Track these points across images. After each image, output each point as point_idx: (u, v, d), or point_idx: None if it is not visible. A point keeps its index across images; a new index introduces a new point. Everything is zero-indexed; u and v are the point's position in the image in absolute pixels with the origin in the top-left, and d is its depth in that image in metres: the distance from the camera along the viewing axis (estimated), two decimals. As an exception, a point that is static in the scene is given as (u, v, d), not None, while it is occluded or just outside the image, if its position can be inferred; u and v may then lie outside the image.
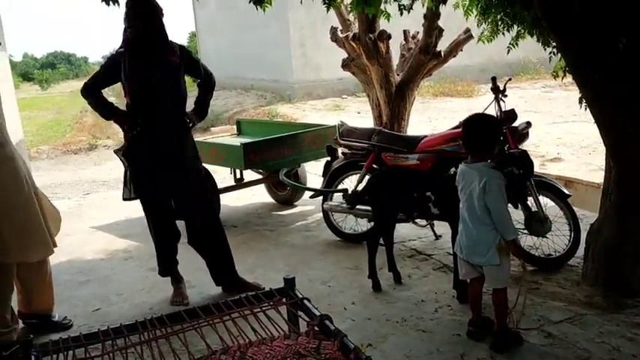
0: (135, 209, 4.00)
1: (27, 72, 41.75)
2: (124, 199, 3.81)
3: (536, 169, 6.07)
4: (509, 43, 4.49)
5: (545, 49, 4.10)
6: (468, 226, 2.87)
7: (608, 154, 3.45)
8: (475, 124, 2.96)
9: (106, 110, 3.64)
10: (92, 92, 3.59)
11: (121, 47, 3.47)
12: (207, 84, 3.81)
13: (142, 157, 3.55)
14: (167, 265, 3.78)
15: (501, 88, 3.89)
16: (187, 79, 3.73)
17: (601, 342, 2.88)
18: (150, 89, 3.42)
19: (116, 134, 11.20)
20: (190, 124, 3.66)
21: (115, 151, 3.97)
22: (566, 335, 2.96)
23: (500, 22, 4.33)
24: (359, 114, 12.07)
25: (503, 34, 4.44)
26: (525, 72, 15.77)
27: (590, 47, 2.92)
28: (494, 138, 2.92)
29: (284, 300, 2.05)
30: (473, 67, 14.96)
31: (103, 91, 3.64)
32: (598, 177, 5.29)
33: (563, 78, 4.20)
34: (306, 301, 2.00)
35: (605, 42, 2.87)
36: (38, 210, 3.10)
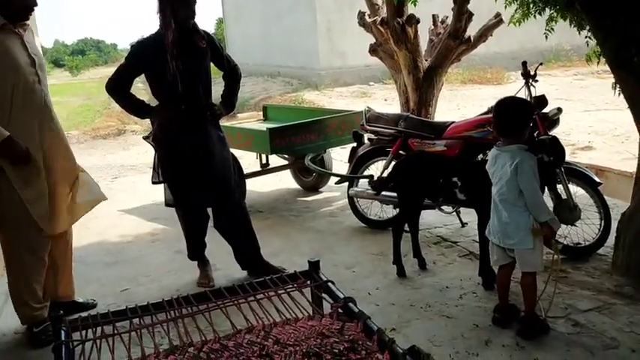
0: (162, 194, 4.06)
1: (58, 58, 42.43)
2: (153, 183, 3.85)
3: (567, 157, 5.98)
4: (545, 29, 4.38)
5: (579, 34, 3.99)
6: (499, 210, 2.84)
7: (642, 141, 3.36)
8: (506, 106, 2.91)
9: (138, 110, 3.57)
10: (120, 89, 3.48)
11: (152, 34, 3.45)
12: (232, 77, 3.77)
13: (170, 142, 3.57)
14: (196, 249, 3.82)
15: (532, 74, 3.81)
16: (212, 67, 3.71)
17: (630, 331, 2.82)
18: (183, 75, 3.38)
19: (143, 120, 11.34)
20: (218, 112, 3.66)
21: (144, 138, 4.01)
22: (594, 324, 2.92)
23: (531, 5, 4.23)
24: (386, 101, 11.98)
25: (534, 16, 4.33)
26: (557, 59, 15.44)
27: (629, 30, 2.83)
28: (525, 121, 2.87)
29: (308, 282, 2.06)
30: (503, 53, 14.69)
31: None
32: (630, 166, 5.15)
33: (597, 63, 4.09)
34: (330, 284, 2.00)
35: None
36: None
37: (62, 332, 1.77)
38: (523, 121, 2.85)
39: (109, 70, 3.87)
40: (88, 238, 4.66)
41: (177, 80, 3.35)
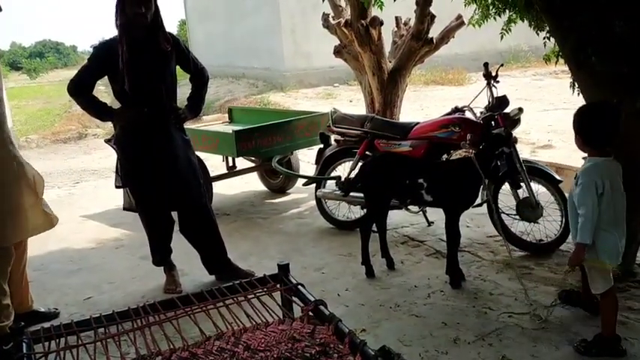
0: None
1: (15, 61, 41.15)
2: (116, 187, 3.78)
3: (528, 156, 6.11)
4: (502, 29, 4.47)
5: (537, 34, 4.08)
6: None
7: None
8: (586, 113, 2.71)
9: (101, 112, 3.49)
10: (82, 91, 3.41)
11: (115, 35, 3.38)
12: (199, 80, 3.73)
13: (132, 144, 3.50)
14: (161, 254, 3.75)
15: (493, 75, 3.89)
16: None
17: (593, 325, 2.89)
18: (145, 77, 3.34)
19: (105, 123, 11.11)
20: (182, 116, 3.60)
21: (106, 141, 3.92)
22: (559, 319, 2.99)
23: (491, 6, 4.31)
24: (351, 102, 12.03)
25: (494, 18, 4.41)
26: (516, 60, 15.77)
27: (586, 31, 2.91)
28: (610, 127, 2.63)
29: (278, 286, 2.04)
30: (464, 55, 14.94)
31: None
32: (589, 163, 5.31)
33: (556, 63, 4.19)
34: (300, 287, 1.98)
35: (601, 25, 2.86)
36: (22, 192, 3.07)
37: (24, 344, 1.71)
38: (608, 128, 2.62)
39: (69, 73, 3.75)
40: (50, 245, 4.52)
41: (127, 79, 3.29)
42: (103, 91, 10.45)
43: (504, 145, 3.41)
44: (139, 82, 3.33)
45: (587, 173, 2.61)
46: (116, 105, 3.56)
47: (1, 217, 2.90)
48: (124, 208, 3.79)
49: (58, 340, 1.76)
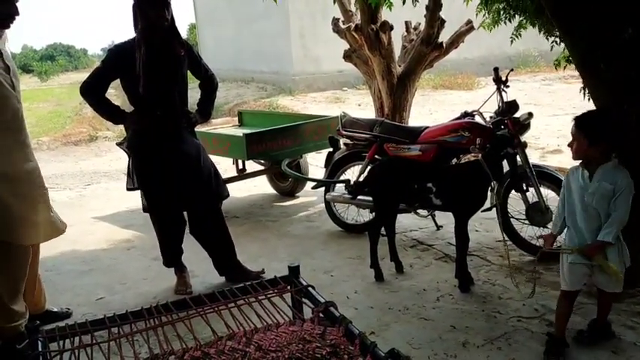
0: (137, 200, 4.00)
1: (26, 64, 41.46)
2: (128, 189, 3.81)
3: (537, 160, 6.09)
4: (512, 34, 4.49)
5: (547, 39, 4.09)
6: None
7: (610, 144, 3.45)
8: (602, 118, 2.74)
9: (113, 115, 3.52)
10: (94, 92, 3.44)
11: (129, 39, 3.42)
12: (209, 85, 3.77)
13: (145, 148, 3.54)
14: (172, 255, 3.78)
15: (503, 79, 3.89)
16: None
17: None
18: (160, 81, 3.37)
19: (116, 126, 11.19)
20: (194, 120, 3.64)
21: (118, 144, 3.95)
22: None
23: (502, 12, 4.32)
24: (359, 106, 12.06)
25: (505, 23, 4.43)
26: (525, 65, 15.76)
27: (596, 36, 2.92)
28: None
29: (288, 287, 2.06)
30: (473, 60, 14.96)
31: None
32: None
33: (565, 68, 4.20)
34: (310, 289, 2.01)
35: (611, 30, 2.87)
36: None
37: (39, 343, 1.74)
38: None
39: (80, 76, 3.76)
40: (62, 246, 4.57)
41: (142, 82, 3.33)
42: (112, 94, 10.51)
43: (509, 146, 3.42)
44: (154, 86, 3.37)
45: (626, 176, 2.61)
46: (126, 108, 3.60)
47: (20, 216, 2.94)
48: (145, 211, 3.81)
49: (72, 339, 1.79)
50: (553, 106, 10.59)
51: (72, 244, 4.74)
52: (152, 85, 3.36)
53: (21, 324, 2.98)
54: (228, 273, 3.80)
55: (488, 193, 3.67)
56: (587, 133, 2.66)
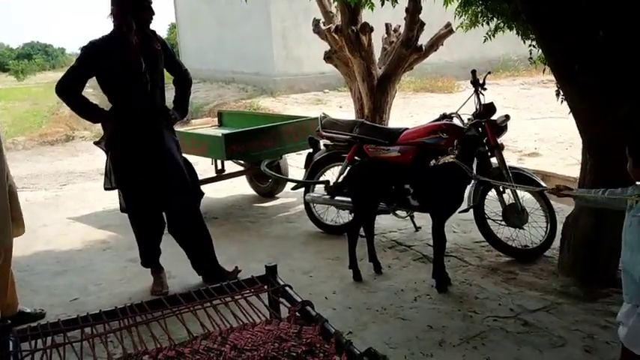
0: (113, 200, 3.95)
1: (2, 62, 40.76)
2: (106, 189, 3.77)
3: (514, 163, 6.17)
4: (486, 33, 4.53)
5: (524, 43, 4.15)
6: None
7: (584, 147, 3.52)
8: None
9: (91, 113, 3.48)
10: (71, 91, 3.38)
11: (103, 36, 3.38)
12: (184, 82, 3.75)
13: (123, 147, 3.49)
14: (150, 255, 3.75)
15: (481, 82, 3.94)
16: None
17: (576, 330, 2.94)
18: (140, 77, 3.34)
19: (93, 125, 11.05)
20: (173, 117, 3.62)
21: (95, 143, 3.90)
22: (543, 323, 3.03)
23: (480, 14, 4.37)
24: (340, 108, 12.08)
25: (482, 25, 4.47)
26: (505, 69, 15.93)
27: (570, 40, 2.97)
28: None
29: (265, 287, 2.05)
30: (453, 63, 15.06)
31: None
32: (574, 171, 5.38)
33: (544, 72, 4.26)
34: (287, 288, 2.00)
35: (585, 34, 2.92)
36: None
37: (10, 342, 1.70)
38: None
39: (57, 75, 3.71)
40: (36, 246, 4.50)
41: (146, 84, 3.32)
42: (90, 93, 10.39)
43: (479, 145, 3.44)
44: (135, 83, 3.34)
45: None
46: (104, 106, 3.56)
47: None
48: (122, 210, 3.77)
49: (44, 339, 1.76)
50: (531, 110, 10.73)
51: (46, 245, 4.67)
52: (132, 82, 3.33)
53: None
54: (206, 273, 3.77)
55: (465, 194, 3.71)
56: (631, 153, 2.22)
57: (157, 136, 3.49)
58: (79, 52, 3.76)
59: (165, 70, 3.60)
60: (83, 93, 3.48)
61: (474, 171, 3.42)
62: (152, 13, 3.35)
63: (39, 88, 24.06)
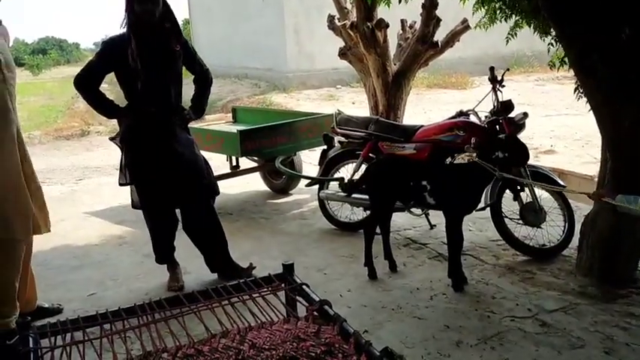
0: (128, 196, 3.97)
1: (18, 57, 41.06)
2: (120, 184, 3.78)
3: (530, 160, 6.11)
4: (508, 34, 4.49)
5: (543, 40, 4.10)
6: None
7: (604, 145, 3.47)
8: None
9: (106, 109, 3.49)
10: (89, 86, 3.41)
11: (122, 32, 3.39)
12: (204, 81, 3.74)
13: (136, 144, 3.51)
14: (165, 252, 3.76)
15: (499, 79, 3.90)
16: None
17: (595, 331, 2.91)
18: (155, 76, 3.34)
19: (108, 121, 11.10)
20: (187, 117, 3.62)
21: (111, 139, 3.92)
22: (561, 324, 2.99)
23: (498, 11, 4.32)
24: (353, 104, 12.05)
25: (500, 21, 4.42)
26: (519, 65, 15.77)
27: (592, 37, 2.92)
28: None
29: (282, 285, 2.05)
30: (467, 59, 14.94)
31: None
32: (591, 169, 5.33)
33: (558, 69, 4.21)
34: (305, 287, 1.99)
35: (608, 31, 2.87)
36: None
37: (30, 339, 1.71)
38: None
39: (72, 70, 3.71)
40: (53, 241, 4.53)
41: (138, 79, 3.30)
42: (106, 89, 10.46)
43: (499, 150, 3.39)
44: (149, 81, 3.34)
45: None
46: (120, 102, 3.57)
47: (16, 210, 2.91)
48: (134, 207, 3.79)
49: (64, 336, 1.77)
50: (546, 107, 10.63)
51: (63, 239, 4.70)
52: (147, 81, 3.33)
53: (12, 320, 2.95)
54: (221, 270, 3.77)
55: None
56: None
57: (170, 134, 3.49)
58: (93, 47, 3.78)
59: (186, 68, 3.60)
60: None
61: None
62: (149, 5, 3.28)
63: (54, 82, 24.28)
